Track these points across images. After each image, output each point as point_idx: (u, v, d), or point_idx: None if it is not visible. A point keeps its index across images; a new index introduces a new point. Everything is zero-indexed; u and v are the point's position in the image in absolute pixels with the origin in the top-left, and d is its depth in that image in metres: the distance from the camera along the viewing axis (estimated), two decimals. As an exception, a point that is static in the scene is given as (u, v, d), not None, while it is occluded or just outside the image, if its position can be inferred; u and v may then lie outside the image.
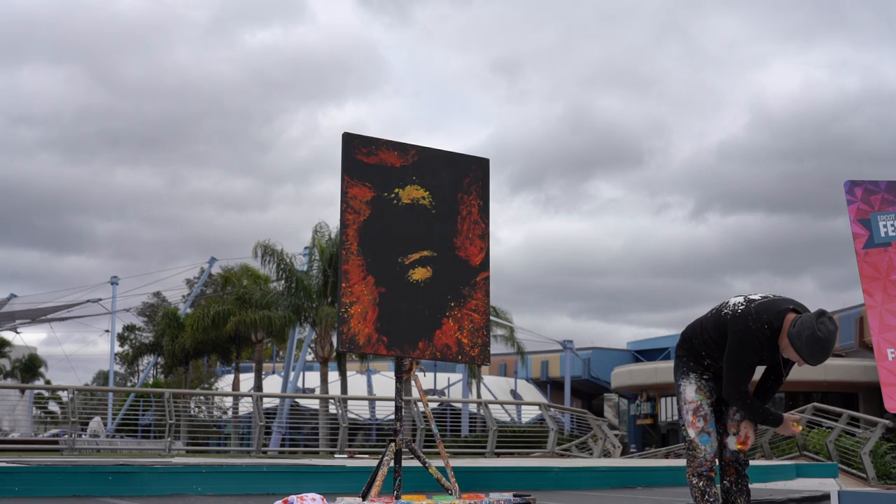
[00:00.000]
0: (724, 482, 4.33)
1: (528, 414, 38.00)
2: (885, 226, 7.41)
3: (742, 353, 4.11)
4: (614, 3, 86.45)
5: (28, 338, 74.22)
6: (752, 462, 5.33)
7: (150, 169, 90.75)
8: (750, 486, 4.40)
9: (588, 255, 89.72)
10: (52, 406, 41.45)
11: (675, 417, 47.32)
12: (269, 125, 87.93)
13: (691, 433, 4.24)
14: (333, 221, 28.46)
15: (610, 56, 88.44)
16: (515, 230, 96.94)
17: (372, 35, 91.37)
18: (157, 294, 47.95)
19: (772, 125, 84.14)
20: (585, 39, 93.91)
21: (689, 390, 4.31)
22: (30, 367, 56.82)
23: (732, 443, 4.27)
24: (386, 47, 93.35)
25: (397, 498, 4.93)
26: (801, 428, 3.97)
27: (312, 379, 45.34)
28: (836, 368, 38.46)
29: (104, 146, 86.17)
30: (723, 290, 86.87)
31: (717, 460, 4.26)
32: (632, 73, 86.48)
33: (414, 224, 5.36)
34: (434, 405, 33.44)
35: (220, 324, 32.16)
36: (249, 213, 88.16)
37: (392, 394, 6.08)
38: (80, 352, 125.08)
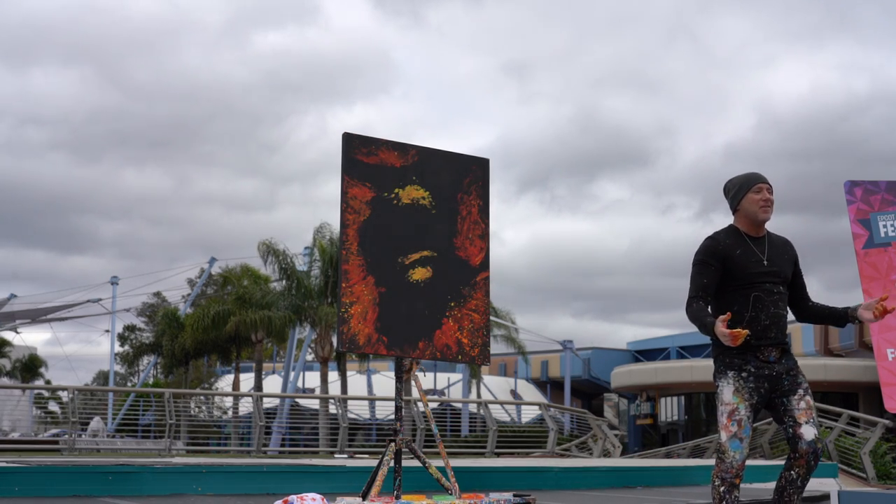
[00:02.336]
0: (791, 473, 4.18)
1: (528, 414, 37.99)
2: (884, 226, 7.41)
3: (696, 258, 4.28)
4: (624, 6, 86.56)
5: (31, 338, 74.42)
6: (751, 462, 5.31)
7: (158, 170, 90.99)
8: (751, 486, 4.41)
9: (593, 256, 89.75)
10: (53, 406, 41.44)
11: (675, 417, 47.33)
12: (279, 127, 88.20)
13: (723, 436, 4.12)
14: (335, 222, 28.44)
15: (619, 58, 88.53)
16: (521, 231, 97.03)
17: (385, 37, 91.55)
18: (158, 294, 47.97)
19: (779, 126, 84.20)
20: (595, 41, 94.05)
21: (727, 392, 4.16)
22: (30, 367, 56.81)
23: (809, 433, 4.09)
24: (398, 49, 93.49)
25: (397, 498, 4.93)
26: (739, 332, 3.91)
27: (312, 379, 45.33)
28: (836, 368, 38.44)
29: (113, 147, 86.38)
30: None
31: (744, 467, 4.17)
32: (641, 74, 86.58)
33: (414, 224, 5.36)
34: (434, 405, 33.44)
35: (220, 324, 32.16)
36: (255, 214, 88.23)
37: (392, 394, 6.08)
38: (80, 352, 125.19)
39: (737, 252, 4.25)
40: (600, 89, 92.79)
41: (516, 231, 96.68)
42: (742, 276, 4.22)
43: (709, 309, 4.25)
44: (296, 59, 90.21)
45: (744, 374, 4.16)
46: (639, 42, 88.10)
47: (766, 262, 4.27)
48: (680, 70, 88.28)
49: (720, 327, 3.92)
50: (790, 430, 4.17)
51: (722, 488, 4.11)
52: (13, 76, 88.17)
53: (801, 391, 4.20)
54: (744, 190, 4.36)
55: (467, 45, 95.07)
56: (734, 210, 4.39)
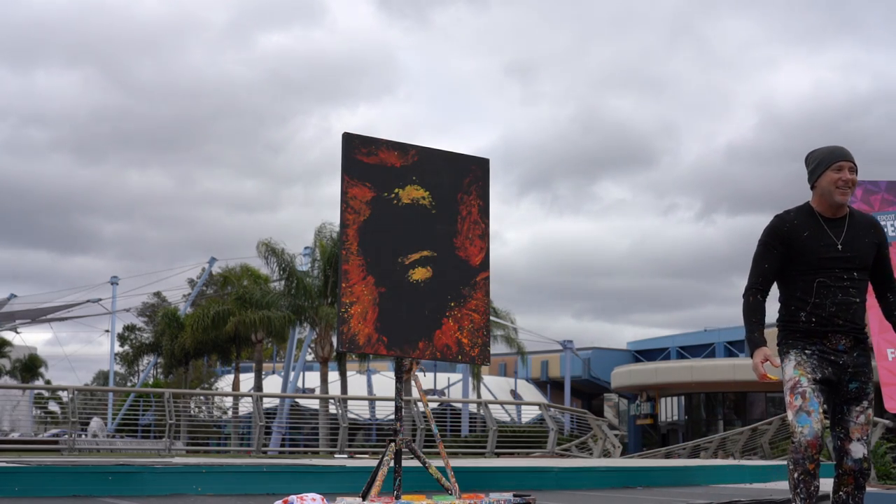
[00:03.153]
0: (840, 493, 3.99)
1: (528, 414, 37.99)
2: (885, 226, 7.41)
3: (761, 238, 4.01)
4: (628, 7, 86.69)
5: (32, 338, 74.48)
6: (750, 462, 5.24)
7: (161, 170, 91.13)
8: (751, 486, 4.38)
9: (594, 256, 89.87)
10: (53, 406, 41.43)
11: (675, 418, 47.33)
12: (283, 127, 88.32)
13: (790, 415, 3.79)
14: (336, 222, 28.48)
15: (622, 58, 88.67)
16: (522, 231, 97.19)
17: (390, 38, 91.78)
18: (158, 294, 47.97)
19: (781, 126, 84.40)
20: (599, 42, 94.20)
21: (788, 368, 3.88)
22: (30, 367, 56.81)
23: (858, 451, 3.89)
24: (402, 50, 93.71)
25: (397, 498, 4.93)
26: (767, 375, 3.81)
27: (312, 379, 45.33)
28: (836, 368, 38.41)
29: (116, 147, 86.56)
30: (730, 291, 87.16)
31: (819, 446, 3.82)
32: (644, 75, 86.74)
33: (414, 224, 5.36)
34: (434, 405, 33.43)
35: (220, 324, 32.16)
36: (258, 215, 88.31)
37: (392, 394, 6.08)
38: (81, 352, 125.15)
39: (804, 234, 3.92)
40: (603, 90, 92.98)
41: (518, 231, 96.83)
42: (809, 260, 3.90)
43: (767, 295, 4.05)
44: (300, 59, 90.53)
45: (807, 352, 3.89)
46: (642, 43, 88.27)
47: (840, 247, 3.89)
48: (683, 70, 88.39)
49: (758, 359, 3.84)
50: (839, 441, 3.96)
51: (796, 474, 3.79)
52: (17, 76, 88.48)
53: (865, 403, 3.93)
54: (823, 166, 3.94)
55: (471, 47, 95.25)
56: (812, 186, 4.01)
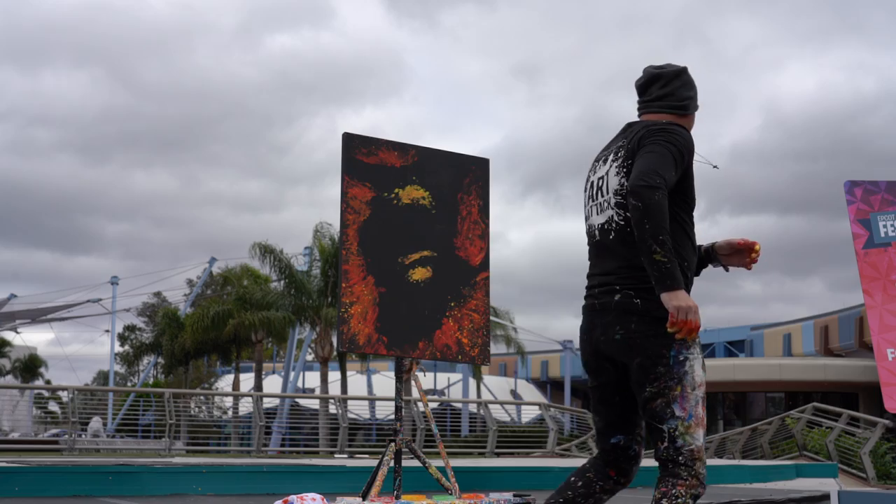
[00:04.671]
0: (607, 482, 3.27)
1: (528, 414, 37.99)
2: (884, 226, 7.40)
3: (676, 143, 2.93)
4: (633, 8, 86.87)
5: (34, 338, 74.53)
6: (751, 462, 5.10)
7: (165, 170, 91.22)
8: (751, 486, 4.29)
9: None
10: (53, 406, 41.44)
11: (675, 417, 47.31)
12: (289, 128, 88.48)
13: (699, 437, 2.90)
14: (336, 222, 28.50)
15: (628, 59, 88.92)
16: (525, 231, 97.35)
17: (397, 40, 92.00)
18: (158, 294, 47.98)
19: (786, 126, 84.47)
20: (605, 43, 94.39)
21: (698, 367, 2.89)
22: (30, 367, 56.81)
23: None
24: (409, 52, 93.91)
25: (397, 498, 4.93)
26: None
27: (312, 379, 45.34)
28: (836, 368, 38.45)
29: (122, 148, 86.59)
30: (733, 291, 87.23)
31: None
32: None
33: (414, 224, 5.36)
34: (434, 405, 33.43)
35: (220, 324, 32.16)
36: (262, 215, 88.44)
37: (392, 394, 6.08)
38: (81, 352, 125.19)
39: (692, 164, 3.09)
40: (609, 90, 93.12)
41: (521, 231, 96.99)
42: (693, 196, 3.15)
43: None
44: (308, 60, 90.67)
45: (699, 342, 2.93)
46: (648, 43, 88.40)
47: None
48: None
49: (692, 303, 2.73)
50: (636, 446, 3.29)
51: None
52: (24, 77, 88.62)
53: None
54: (695, 105, 3.34)
55: (478, 48, 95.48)
56: (687, 112, 3.23)
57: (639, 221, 2.73)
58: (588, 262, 3.14)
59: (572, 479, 3.37)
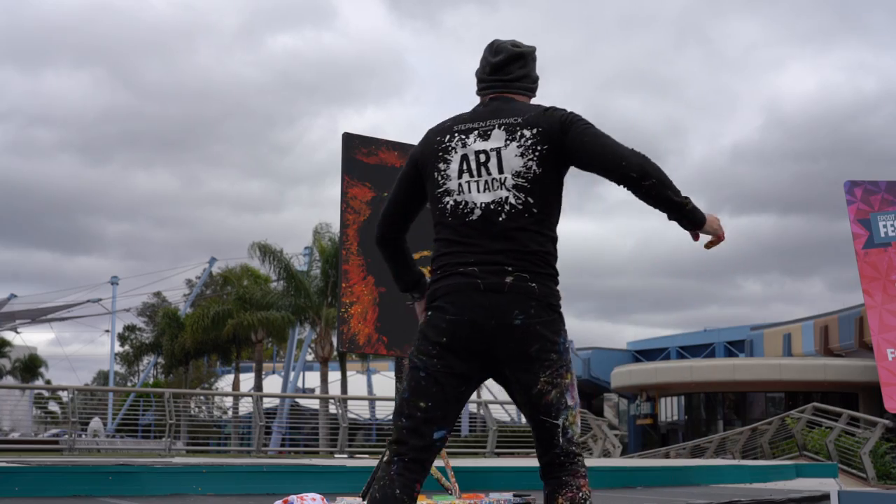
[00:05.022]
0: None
1: (528, 414, 37.98)
2: (884, 226, 7.40)
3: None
4: (635, 8, 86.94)
5: (34, 338, 74.58)
6: (750, 462, 5.06)
7: (167, 170, 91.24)
8: (751, 486, 4.23)
9: (597, 256, 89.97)
10: (53, 406, 41.45)
11: (675, 418, 47.37)
12: (290, 128, 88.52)
13: (579, 425, 2.85)
14: (332, 222, 28.53)
15: (630, 59, 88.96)
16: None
17: (399, 40, 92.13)
18: (158, 294, 47.98)
19: (786, 126, 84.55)
20: (606, 43, 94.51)
21: (571, 361, 2.88)
22: (30, 367, 56.80)
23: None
24: (411, 52, 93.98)
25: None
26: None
27: (312, 379, 45.33)
28: (836, 368, 38.43)
29: (123, 148, 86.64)
30: (734, 291, 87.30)
31: None
32: (651, 75, 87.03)
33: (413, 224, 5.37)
34: (434, 405, 33.35)
35: (220, 324, 32.17)
36: (263, 215, 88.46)
37: (392, 394, 6.08)
38: (82, 352, 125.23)
39: None
40: (610, 90, 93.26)
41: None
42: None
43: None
44: (310, 61, 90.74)
45: None
46: (649, 44, 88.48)
47: None
48: (690, 71, 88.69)
49: (718, 222, 2.92)
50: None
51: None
52: (25, 77, 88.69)
53: None
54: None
55: (479, 48, 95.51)
56: (534, 95, 3.10)
57: (661, 190, 2.76)
58: (444, 239, 2.96)
59: None
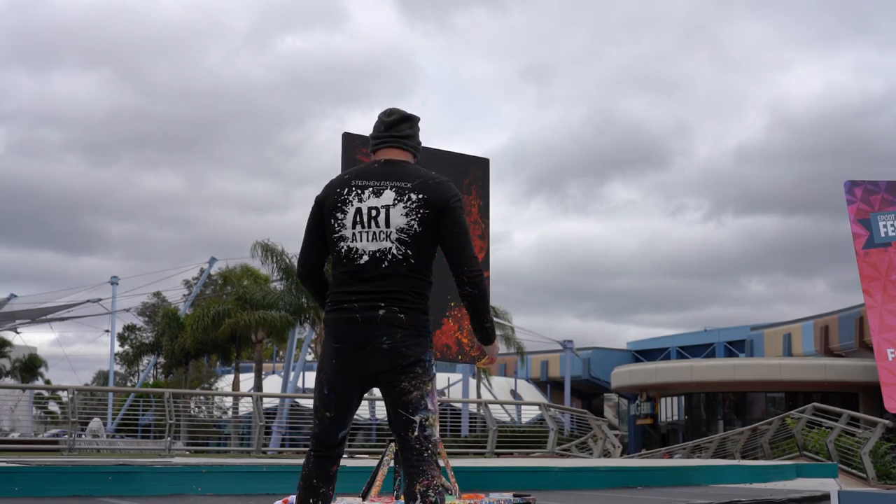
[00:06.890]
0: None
1: (528, 414, 37.99)
2: (884, 226, 7.40)
3: (461, 203, 3.48)
4: (642, 9, 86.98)
5: (35, 338, 74.53)
6: (751, 462, 5.12)
7: (172, 171, 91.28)
8: (751, 486, 4.31)
9: (602, 257, 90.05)
10: (52, 406, 41.44)
11: (675, 417, 47.37)
12: (298, 129, 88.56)
13: (437, 431, 3.41)
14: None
15: (637, 60, 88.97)
16: (530, 231, 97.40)
17: (409, 42, 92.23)
18: (157, 294, 47.96)
19: (792, 127, 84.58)
20: (613, 44, 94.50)
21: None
22: (30, 367, 56.78)
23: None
24: (420, 54, 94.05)
25: (397, 498, 4.94)
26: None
27: (312, 379, 45.29)
28: (836, 368, 38.45)
29: (130, 148, 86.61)
30: (737, 291, 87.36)
31: None
32: (658, 76, 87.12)
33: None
34: (434, 405, 33.35)
35: (220, 324, 32.16)
36: (268, 216, 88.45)
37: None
38: (82, 352, 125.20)
39: None
40: (617, 91, 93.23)
41: (526, 232, 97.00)
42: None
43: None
44: (320, 62, 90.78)
45: None
46: (656, 45, 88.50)
47: None
48: (697, 72, 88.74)
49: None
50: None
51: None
52: (33, 78, 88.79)
53: None
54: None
55: (489, 50, 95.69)
56: (418, 153, 3.69)
57: (478, 301, 3.36)
58: (337, 277, 3.41)
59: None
